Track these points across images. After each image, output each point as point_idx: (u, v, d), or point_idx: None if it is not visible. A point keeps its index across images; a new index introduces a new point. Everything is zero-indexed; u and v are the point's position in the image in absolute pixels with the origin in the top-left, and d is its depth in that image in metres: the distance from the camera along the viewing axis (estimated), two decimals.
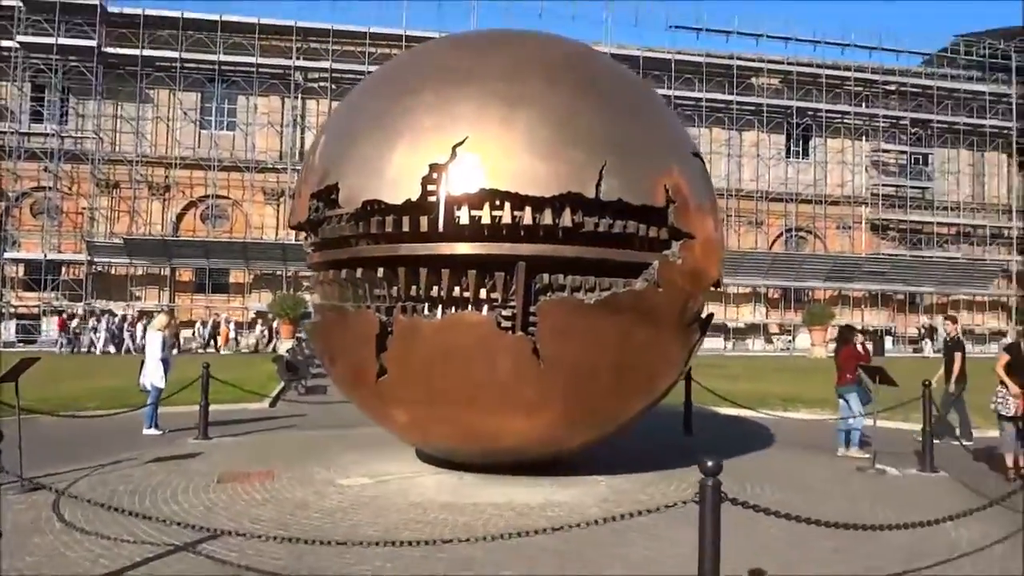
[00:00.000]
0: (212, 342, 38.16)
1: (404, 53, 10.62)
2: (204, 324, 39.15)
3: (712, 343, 45.43)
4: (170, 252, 41.41)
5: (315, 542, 5.23)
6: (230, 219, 44.15)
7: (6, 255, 40.27)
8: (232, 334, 38.90)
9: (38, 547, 5.89)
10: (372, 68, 37.10)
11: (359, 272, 7.40)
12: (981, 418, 12.36)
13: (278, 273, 42.63)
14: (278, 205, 43.05)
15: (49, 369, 16.94)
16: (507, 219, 6.83)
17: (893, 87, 49.92)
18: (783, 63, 48.16)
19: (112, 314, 37.21)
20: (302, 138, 43.69)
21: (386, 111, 7.39)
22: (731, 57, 47.63)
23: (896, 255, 49.22)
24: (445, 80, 7.37)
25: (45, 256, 40.10)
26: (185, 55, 41.99)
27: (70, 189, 41.89)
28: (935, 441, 9.96)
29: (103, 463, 9.00)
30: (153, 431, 11.89)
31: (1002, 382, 9.39)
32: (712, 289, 8.20)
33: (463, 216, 6.85)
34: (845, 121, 49.17)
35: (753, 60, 48.20)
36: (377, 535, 6.02)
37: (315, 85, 44.34)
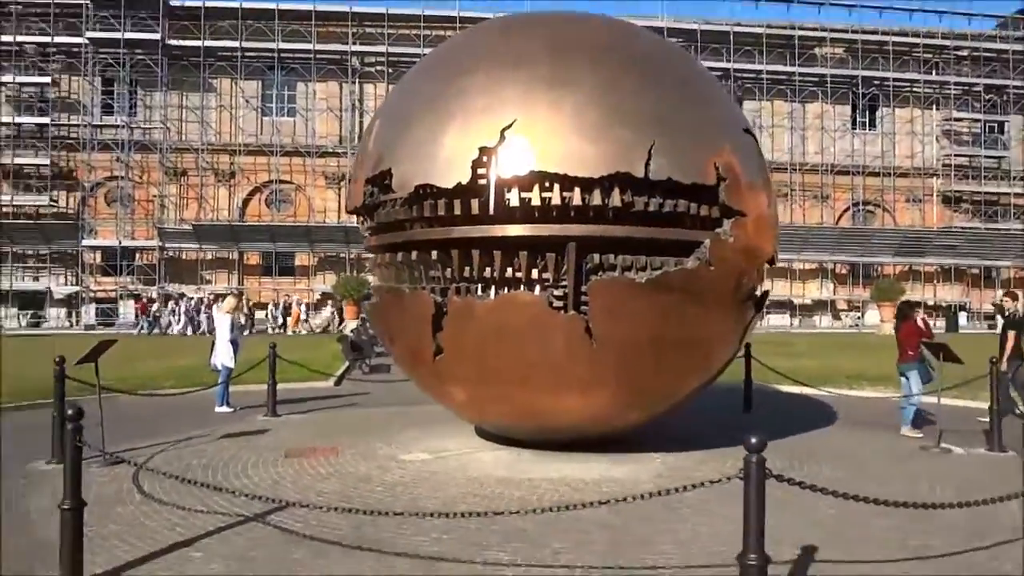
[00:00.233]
0: (284, 323, 39.19)
1: (455, 37, 10.74)
2: (276, 306, 40.21)
3: (778, 320, 44.87)
4: (237, 237, 42.55)
5: (376, 514, 5.45)
6: (293, 203, 45.09)
7: (84, 242, 41.86)
8: (304, 315, 39.86)
9: (120, 516, 6.27)
10: (427, 50, 37.32)
11: (414, 255, 7.58)
12: None
13: (341, 255, 43.45)
14: (339, 188, 43.77)
15: (127, 350, 17.65)
16: (557, 200, 6.93)
17: (965, 52, 48.15)
18: (847, 31, 46.86)
19: (188, 298, 38.47)
20: (360, 122, 44.24)
21: (438, 95, 7.53)
22: (792, 27, 46.53)
23: (970, 228, 47.68)
24: (494, 63, 7.48)
25: (120, 243, 41.59)
26: (245, 44, 42.88)
27: (141, 178, 43.27)
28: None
29: (178, 439, 9.46)
30: (225, 409, 12.36)
31: None
32: (767, 266, 8.17)
33: (513, 198, 6.97)
34: (914, 89, 47.68)
35: (815, 29, 47.02)
36: (435, 508, 6.23)
37: (372, 69, 44.81)
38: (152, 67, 42.16)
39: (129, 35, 41.41)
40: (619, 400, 7.60)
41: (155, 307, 38.16)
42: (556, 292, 7.04)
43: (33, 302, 42.72)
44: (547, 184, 6.95)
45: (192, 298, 38.37)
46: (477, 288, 7.37)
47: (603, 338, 6.93)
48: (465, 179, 6.94)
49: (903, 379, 10.73)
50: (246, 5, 43.00)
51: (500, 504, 6.49)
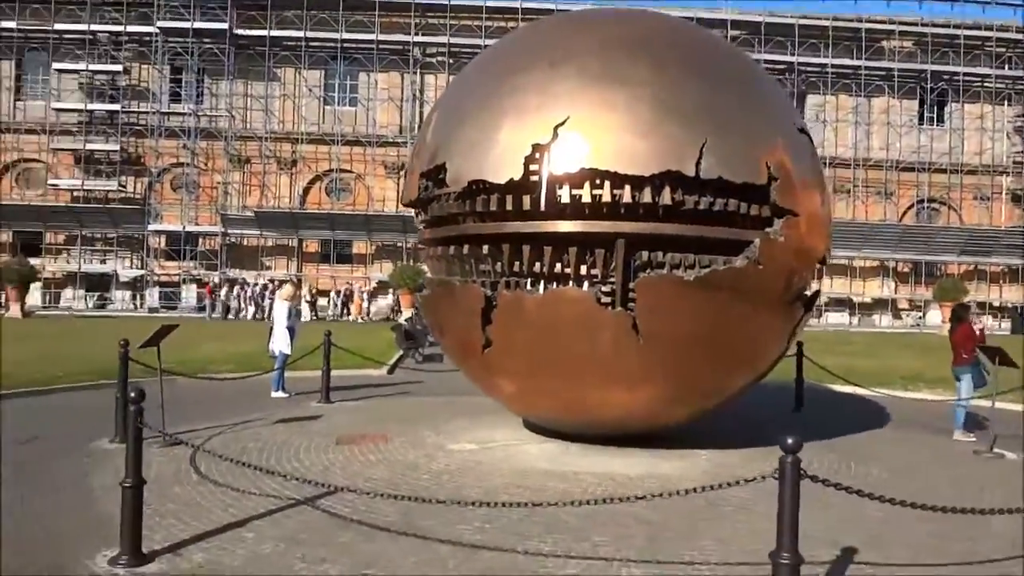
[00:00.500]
0: (345, 310, 39.85)
1: (511, 33, 10.84)
2: (338, 293, 40.89)
3: (836, 318, 44.03)
4: (298, 224, 43.34)
5: (421, 501, 5.61)
6: (353, 192, 45.70)
7: (149, 227, 43.11)
8: (365, 303, 40.47)
9: (178, 496, 6.56)
10: (489, 42, 37.46)
11: (465, 248, 7.73)
12: None
13: (399, 244, 43.90)
14: (398, 178, 44.18)
15: (190, 334, 18.18)
16: (607, 197, 7.00)
17: None
18: (916, 24, 45.53)
19: (252, 284, 39.40)
20: (421, 112, 44.52)
21: (492, 91, 7.66)
22: (859, 20, 45.40)
23: None
24: (548, 60, 7.55)
25: (184, 228, 42.67)
26: (309, 34, 43.50)
27: (206, 165, 44.29)
28: None
29: (235, 422, 9.79)
30: (280, 394, 12.69)
31: None
32: (818, 266, 8.12)
33: (564, 195, 7.07)
34: (985, 85, 46.14)
35: (883, 22, 45.76)
36: (479, 497, 6.36)
37: (433, 60, 45.09)
38: (219, 56, 43.09)
39: (198, 24, 42.38)
40: (665, 396, 7.64)
41: (224, 292, 39.13)
42: (604, 288, 7.12)
43: (100, 284, 44.17)
44: (598, 181, 7.02)
45: (257, 284, 39.26)
46: (527, 283, 7.48)
47: (650, 335, 6.98)
48: (517, 175, 7.05)
49: (957, 382, 10.54)
50: None
51: (543, 496, 6.58)
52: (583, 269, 7.25)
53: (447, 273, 8.24)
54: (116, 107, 43.40)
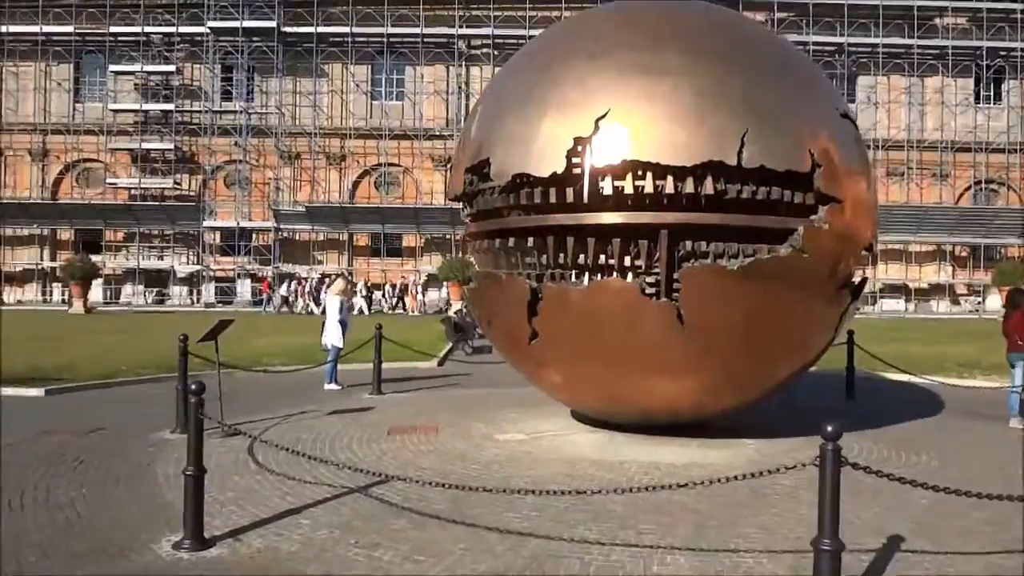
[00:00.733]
0: (400, 303, 40.34)
1: (554, 25, 10.93)
2: (393, 287, 41.42)
3: (892, 304, 43.21)
4: (348, 218, 43.95)
5: (471, 490, 5.75)
6: (401, 186, 46.17)
7: (204, 223, 44.11)
8: (420, 296, 40.94)
9: (236, 484, 6.81)
10: (533, 32, 37.43)
11: (510, 241, 7.85)
12: None
13: (447, 237, 44.23)
14: (445, 171, 44.48)
15: (247, 327, 18.64)
16: (649, 188, 7.05)
17: None
18: (971, 0, 44.33)
19: (308, 278, 40.12)
20: (467, 105, 44.74)
21: (535, 84, 7.73)
22: None
23: None
24: (589, 52, 7.61)
25: (238, 224, 43.62)
26: (355, 29, 43.99)
27: (257, 161, 45.17)
28: None
29: (290, 413, 10.08)
30: (333, 386, 12.97)
31: None
32: (864, 252, 8.06)
33: (607, 187, 7.13)
34: None
35: None
36: (527, 486, 6.45)
37: (478, 52, 45.25)
38: (268, 54, 43.84)
39: (247, 23, 43.18)
40: (711, 386, 7.68)
41: (283, 287, 39.85)
42: (648, 279, 7.17)
43: (158, 280, 45.42)
44: (640, 172, 7.07)
45: (314, 278, 39.92)
46: (571, 274, 7.57)
47: (694, 325, 7.02)
48: (560, 168, 7.14)
49: (1012, 369, 10.35)
50: None
51: (591, 485, 6.67)
52: (627, 260, 7.30)
53: (494, 266, 8.37)
54: (170, 107, 44.52)
